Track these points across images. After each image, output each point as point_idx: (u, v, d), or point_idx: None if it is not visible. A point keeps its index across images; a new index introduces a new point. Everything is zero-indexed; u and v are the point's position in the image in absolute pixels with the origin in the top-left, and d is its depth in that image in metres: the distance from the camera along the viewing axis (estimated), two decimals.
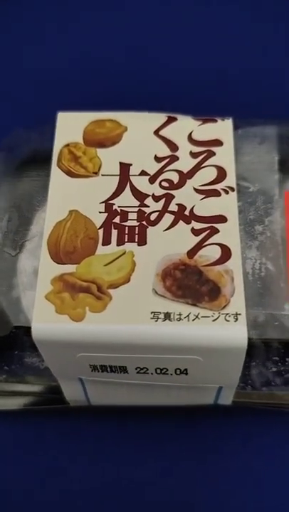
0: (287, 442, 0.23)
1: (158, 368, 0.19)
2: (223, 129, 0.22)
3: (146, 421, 0.23)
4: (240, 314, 0.18)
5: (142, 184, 0.21)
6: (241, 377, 0.20)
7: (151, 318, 0.18)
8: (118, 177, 0.21)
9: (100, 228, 0.20)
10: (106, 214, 0.20)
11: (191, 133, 0.21)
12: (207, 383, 0.20)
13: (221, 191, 0.20)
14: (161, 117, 0.22)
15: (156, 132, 0.22)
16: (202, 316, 0.18)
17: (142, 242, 0.20)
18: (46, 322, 0.18)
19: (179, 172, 0.21)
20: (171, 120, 0.22)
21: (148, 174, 0.21)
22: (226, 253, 0.19)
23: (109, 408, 0.23)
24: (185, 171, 0.21)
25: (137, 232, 0.20)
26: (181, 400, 0.22)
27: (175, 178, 0.21)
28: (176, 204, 0.20)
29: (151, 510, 0.22)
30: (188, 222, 0.20)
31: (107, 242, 0.20)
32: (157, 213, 0.20)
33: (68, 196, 0.21)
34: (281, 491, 0.22)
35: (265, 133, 0.23)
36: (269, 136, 0.23)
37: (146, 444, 0.23)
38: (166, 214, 0.20)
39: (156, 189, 0.21)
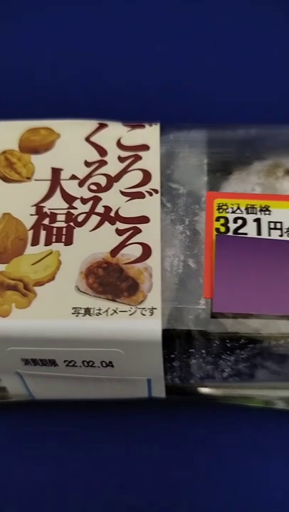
0: (221, 433, 0.24)
1: (84, 360, 0.20)
2: (150, 134, 0.23)
3: (85, 415, 0.24)
4: (155, 309, 0.19)
5: (71, 188, 0.22)
6: (168, 370, 0.21)
7: (73, 314, 0.19)
8: (50, 181, 0.22)
9: (29, 230, 0.21)
10: (36, 216, 0.21)
11: (120, 138, 0.23)
12: (134, 375, 0.21)
13: (146, 193, 0.22)
14: (92, 124, 0.23)
15: (88, 138, 0.23)
16: (120, 311, 0.19)
17: (69, 242, 0.21)
18: None
19: (107, 176, 0.22)
20: (102, 127, 0.23)
21: (78, 178, 0.22)
22: (146, 251, 0.20)
23: (59, 402, 0.24)
24: (113, 175, 0.22)
25: (64, 233, 0.21)
26: (116, 393, 0.23)
27: (103, 181, 0.22)
28: (103, 206, 0.21)
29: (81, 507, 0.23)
30: (113, 223, 0.21)
31: (35, 242, 0.21)
32: (84, 215, 0.21)
33: (2, 200, 0.22)
34: (210, 478, 0.23)
35: (194, 137, 0.24)
36: (198, 141, 0.24)
37: (82, 439, 0.24)
38: (93, 215, 0.21)
39: (84, 192, 0.22)
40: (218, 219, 0.21)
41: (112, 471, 0.24)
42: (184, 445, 0.24)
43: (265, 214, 0.21)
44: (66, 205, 0.22)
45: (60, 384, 0.22)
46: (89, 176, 0.22)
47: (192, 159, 0.23)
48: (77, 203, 0.22)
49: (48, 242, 0.21)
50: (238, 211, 0.21)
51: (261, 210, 0.21)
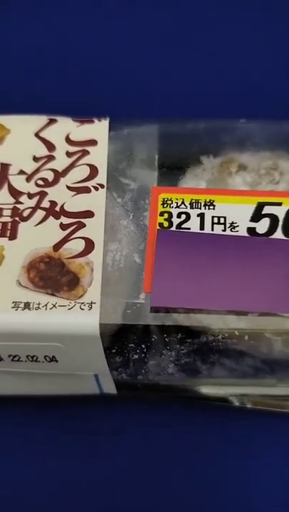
0: (170, 430, 0.24)
1: (28, 355, 0.20)
2: (99, 129, 0.23)
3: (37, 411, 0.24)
4: (94, 303, 0.19)
5: (19, 183, 0.22)
6: (114, 365, 0.21)
7: (12, 308, 0.19)
8: None
9: None
10: None
11: (69, 134, 0.23)
12: (79, 371, 0.21)
13: (92, 188, 0.22)
14: (42, 119, 0.23)
15: (37, 134, 0.23)
16: (59, 305, 0.19)
17: (13, 236, 0.21)
18: None
19: (54, 171, 0.22)
20: (51, 122, 0.23)
21: (25, 173, 0.22)
22: (89, 246, 0.20)
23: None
24: (60, 170, 0.22)
25: (9, 228, 0.21)
26: (66, 388, 0.23)
27: (50, 176, 0.22)
28: (49, 201, 0.21)
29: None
30: (57, 218, 0.21)
31: None
32: (30, 210, 0.21)
33: None
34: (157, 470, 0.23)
35: (146, 132, 0.24)
36: (150, 136, 0.24)
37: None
38: (39, 210, 0.21)
39: (31, 187, 0.22)
40: (162, 214, 0.21)
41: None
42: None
43: (210, 209, 0.21)
44: (13, 200, 0.22)
45: (8, 379, 0.22)
46: (37, 171, 0.22)
47: (143, 154, 0.23)
48: (23, 198, 0.22)
49: None
50: (183, 206, 0.21)
51: (206, 205, 0.21)
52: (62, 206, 0.21)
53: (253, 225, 0.20)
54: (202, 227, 0.21)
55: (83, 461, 0.24)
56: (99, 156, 0.22)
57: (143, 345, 0.20)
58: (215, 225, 0.21)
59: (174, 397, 0.24)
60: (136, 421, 0.24)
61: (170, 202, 0.21)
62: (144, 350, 0.20)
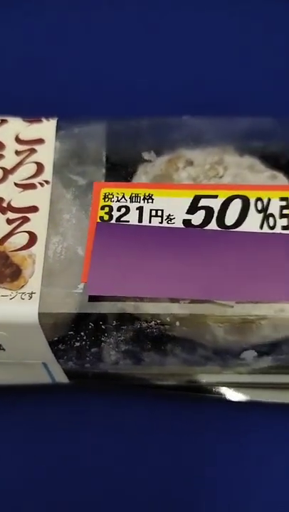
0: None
1: None
2: (47, 128, 0.24)
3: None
4: (34, 293, 0.20)
5: None
6: (58, 354, 0.22)
7: None
8: None
9: None
10: None
11: (18, 133, 0.24)
12: (27, 359, 0.22)
13: (38, 184, 0.22)
14: None
15: None
16: (1, 295, 0.20)
17: None
18: None
19: (3, 169, 0.23)
20: (2, 122, 0.24)
21: None
22: (32, 239, 0.21)
23: None
24: (9, 168, 0.23)
25: None
26: (21, 377, 0.24)
27: None
28: None
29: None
30: (4, 213, 0.22)
31: None
32: None
33: None
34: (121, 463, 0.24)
35: (94, 130, 0.24)
36: (98, 133, 0.25)
37: None
38: None
39: None
40: (103, 207, 0.22)
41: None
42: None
43: (148, 202, 0.22)
44: None
45: None
46: None
47: (92, 152, 0.24)
48: None
49: None
50: (123, 200, 0.22)
51: (145, 199, 0.22)
52: (9, 202, 0.22)
53: (188, 217, 0.21)
54: (140, 219, 0.21)
55: (40, 451, 0.25)
56: (46, 154, 0.23)
57: (82, 333, 0.21)
58: (152, 218, 0.21)
59: (125, 386, 0.25)
60: (90, 410, 0.25)
61: (111, 196, 0.22)
62: (84, 338, 0.21)
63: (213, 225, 0.21)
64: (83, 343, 0.21)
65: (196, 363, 0.23)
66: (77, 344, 0.21)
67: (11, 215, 0.22)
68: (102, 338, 0.21)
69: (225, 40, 0.32)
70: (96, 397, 0.25)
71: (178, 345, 0.22)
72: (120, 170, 0.24)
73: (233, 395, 0.25)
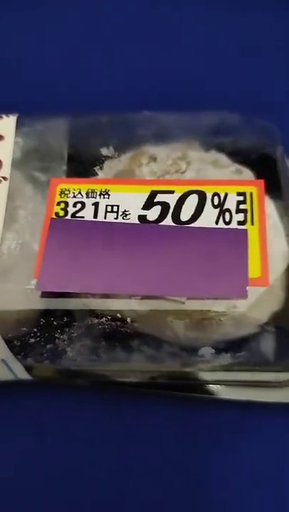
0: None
1: None
2: (6, 125, 0.24)
3: None
4: None
5: None
6: (14, 350, 0.22)
7: None
8: None
9: None
10: None
11: None
12: None
13: None
14: None
15: None
16: None
17: None
18: None
19: None
20: None
21: None
22: None
23: None
24: None
25: None
26: None
27: None
28: None
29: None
30: None
31: None
32: None
33: None
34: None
35: (56, 127, 0.24)
36: (60, 130, 0.24)
37: None
38: None
39: None
40: (59, 203, 0.22)
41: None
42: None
43: (104, 198, 0.22)
44: None
45: None
46: None
47: (53, 148, 0.24)
48: None
49: None
50: (79, 196, 0.22)
51: (101, 194, 0.22)
52: None
53: (144, 212, 0.21)
54: (96, 215, 0.21)
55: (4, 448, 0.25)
56: (5, 150, 0.23)
57: (36, 330, 0.21)
58: (108, 213, 0.21)
59: (91, 383, 0.25)
60: (53, 407, 0.25)
61: (68, 192, 0.22)
62: (38, 335, 0.21)
63: (168, 221, 0.21)
64: (37, 339, 0.21)
65: (159, 359, 0.23)
66: (32, 341, 0.21)
67: None
68: (56, 335, 0.21)
69: (192, 35, 0.32)
70: (59, 393, 0.25)
71: (138, 342, 0.22)
72: (82, 166, 0.24)
73: (200, 392, 0.25)
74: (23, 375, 0.24)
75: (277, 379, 0.24)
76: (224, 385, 0.24)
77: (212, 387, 0.24)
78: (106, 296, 0.20)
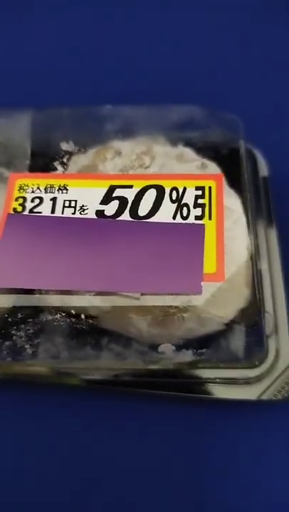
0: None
1: None
2: None
3: None
4: None
5: None
6: None
7: None
8: None
9: None
10: None
11: None
12: None
13: None
14: None
15: None
16: None
17: None
18: None
19: None
20: None
21: None
22: None
23: None
24: None
25: None
26: None
27: None
28: None
29: None
30: None
31: None
32: None
33: None
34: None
35: (20, 122, 0.24)
36: (23, 125, 0.24)
37: None
38: None
39: None
40: (17, 199, 0.21)
41: None
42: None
43: (63, 193, 0.21)
44: None
45: None
46: None
47: (17, 143, 0.24)
48: None
49: None
50: (38, 191, 0.22)
51: (59, 189, 0.22)
52: None
53: (102, 207, 0.21)
54: (53, 210, 0.21)
55: None
56: None
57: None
58: (66, 209, 0.21)
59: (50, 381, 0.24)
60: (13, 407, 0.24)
61: (26, 187, 0.22)
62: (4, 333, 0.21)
63: (126, 216, 0.21)
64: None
65: (121, 356, 0.23)
66: None
67: None
68: (13, 332, 0.21)
69: (159, 28, 0.32)
70: (24, 391, 0.25)
71: (100, 338, 0.22)
72: (43, 161, 0.23)
73: (166, 389, 0.24)
74: None
75: (243, 376, 0.24)
76: (193, 381, 0.24)
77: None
78: (64, 292, 0.20)
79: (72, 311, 0.21)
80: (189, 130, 0.25)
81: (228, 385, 0.24)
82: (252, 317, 0.22)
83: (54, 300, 0.21)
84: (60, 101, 0.28)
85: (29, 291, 0.20)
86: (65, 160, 0.23)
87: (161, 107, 0.25)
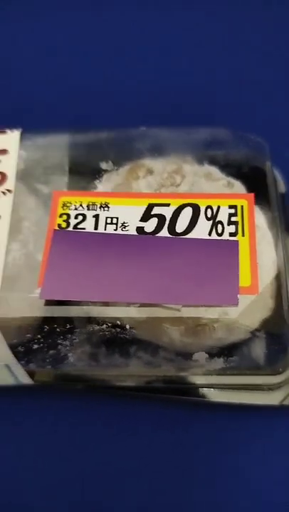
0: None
1: None
2: (10, 139, 0.25)
3: None
4: None
5: None
6: (18, 356, 0.23)
7: None
8: None
9: None
10: None
11: None
12: None
13: (0, 193, 0.24)
14: None
15: None
16: None
17: None
18: None
19: None
20: None
21: None
22: None
23: None
24: None
25: None
26: None
27: None
28: None
29: None
30: None
31: None
32: None
33: None
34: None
35: (58, 141, 0.26)
36: (61, 144, 0.26)
37: None
38: None
39: None
40: (61, 215, 0.23)
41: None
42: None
43: (104, 210, 0.23)
44: None
45: None
46: None
47: (55, 161, 0.25)
48: None
49: None
50: (80, 208, 0.23)
51: (101, 207, 0.23)
52: None
53: (142, 224, 0.22)
54: (96, 227, 0.22)
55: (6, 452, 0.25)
56: (9, 164, 0.24)
57: (39, 336, 0.22)
58: (108, 225, 0.22)
59: (90, 387, 0.26)
60: (54, 411, 0.26)
61: (69, 204, 0.23)
62: (42, 341, 0.22)
63: (164, 232, 0.22)
64: (41, 345, 0.22)
65: (155, 364, 0.24)
66: (36, 347, 0.22)
67: None
68: (59, 341, 0.22)
69: (184, 53, 0.34)
70: (60, 397, 0.26)
71: (135, 347, 0.23)
72: (82, 179, 0.25)
73: (194, 396, 0.26)
74: (24, 379, 0.25)
75: (266, 382, 0.25)
76: (217, 388, 0.25)
77: (206, 390, 0.26)
78: (106, 303, 0.22)
79: (112, 322, 0.22)
80: (216, 150, 0.26)
81: (251, 391, 0.26)
82: (276, 326, 0.23)
83: (94, 311, 0.22)
84: (86, 122, 0.29)
85: (74, 303, 0.22)
86: (103, 178, 0.25)
87: (189, 129, 0.27)
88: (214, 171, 0.25)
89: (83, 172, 0.25)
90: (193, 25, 0.35)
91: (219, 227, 0.22)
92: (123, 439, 0.25)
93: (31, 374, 0.24)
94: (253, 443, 0.25)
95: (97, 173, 0.25)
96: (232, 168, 0.25)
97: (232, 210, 0.23)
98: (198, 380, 0.25)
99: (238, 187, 0.25)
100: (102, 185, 0.25)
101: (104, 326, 0.22)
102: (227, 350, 0.23)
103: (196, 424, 0.25)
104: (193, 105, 0.31)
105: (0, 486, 0.24)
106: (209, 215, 0.22)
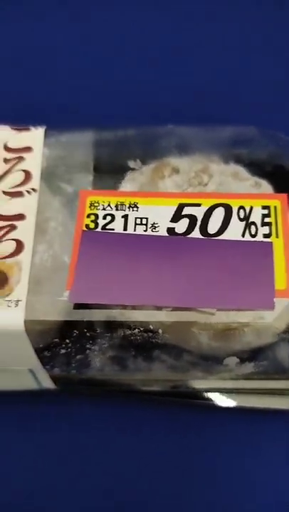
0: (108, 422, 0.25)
1: None
2: (35, 136, 0.24)
3: None
4: (20, 301, 0.21)
5: None
6: (44, 360, 0.22)
7: None
8: None
9: None
10: None
11: (7, 141, 0.24)
12: (13, 366, 0.22)
13: (25, 192, 0.23)
14: None
15: None
16: None
17: None
18: None
19: None
20: None
21: None
22: (19, 247, 0.22)
23: None
24: None
25: None
26: (7, 384, 0.24)
27: None
28: None
29: None
30: None
31: None
32: None
33: None
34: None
35: (82, 139, 0.25)
36: (86, 142, 0.25)
37: None
38: None
39: None
40: (89, 216, 0.22)
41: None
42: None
43: (133, 210, 0.22)
44: None
45: None
46: None
47: (79, 159, 0.25)
48: None
49: None
50: (108, 208, 0.22)
51: (130, 207, 0.22)
52: None
53: (172, 225, 0.22)
54: (125, 227, 0.22)
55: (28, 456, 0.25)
56: (33, 162, 0.23)
57: (68, 340, 0.21)
58: (137, 226, 0.22)
59: (114, 392, 0.25)
60: (77, 416, 0.25)
61: (97, 204, 0.22)
62: (70, 345, 0.21)
63: (196, 233, 0.22)
64: (68, 350, 0.22)
65: (182, 368, 0.24)
66: (63, 351, 0.22)
67: None
68: (87, 345, 0.21)
69: (210, 51, 0.33)
70: (83, 402, 0.25)
71: (163, 352, 0.23)
72: (107, 178, 0.24)
73: (218, 400, 0.25)
74: (48, 384, 0.24)
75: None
76: (243, 393, 0.25)
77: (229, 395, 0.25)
78: (135, 307, 0.21)
79: (143, 326, 0.22)
80: (241, 148, 0.26)
81: (275, 396, 0.25)
82: None
83: (124, 315, 0.21)
84: (112, 119, 0.28)
85: (102, 307, 0.21)
86: (134, 177, 0.24)
87: (215, 127, 0.26)
88: (241, 170, 0.25)
89: (109, 170, 0.24)
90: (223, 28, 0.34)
91: (253, 228, 0.22)
92: (137, 443, 0.25)
93: (55, 379, 0.24)
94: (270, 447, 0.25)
95: (123, 172, 0.24)
96: (258, 167, 0.25)
97: (265, 211, 0.22)
98: (225, 384, 0.24)
99: (266, 186, 0.25)
100: (128, 184, 0.25)
101: (137, 330, 0.21)
102: (257, 354, 0.23)
103: (208, 429, 0.25)
104: (217, 104, 0.31)
105: (23, 489, 0.24)
106: (242, 215, 0.22)
